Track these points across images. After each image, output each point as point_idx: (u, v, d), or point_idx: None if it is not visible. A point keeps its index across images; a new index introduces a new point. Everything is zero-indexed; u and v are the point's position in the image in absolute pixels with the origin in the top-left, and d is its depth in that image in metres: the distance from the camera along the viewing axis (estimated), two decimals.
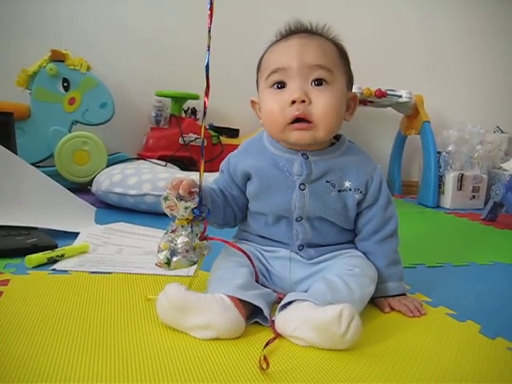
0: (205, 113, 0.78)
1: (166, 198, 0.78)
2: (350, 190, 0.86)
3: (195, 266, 0.81)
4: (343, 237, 0.91)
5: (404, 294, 0.90)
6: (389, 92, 2.24)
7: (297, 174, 0.85)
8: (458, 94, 2.71)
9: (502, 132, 2.58)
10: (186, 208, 0.77)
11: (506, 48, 2.75)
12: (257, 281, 0.83)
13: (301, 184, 0.85)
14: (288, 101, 0.81)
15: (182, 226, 0.78)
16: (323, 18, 0.89)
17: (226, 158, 0.93)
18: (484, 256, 1.32)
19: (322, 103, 0.81)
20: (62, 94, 1.93)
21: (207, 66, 0.78)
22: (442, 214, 2.08)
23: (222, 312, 0.70)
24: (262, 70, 0.88)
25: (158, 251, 0.79)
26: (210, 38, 0.78)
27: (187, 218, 0.78)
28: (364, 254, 0.89)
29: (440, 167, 2.25)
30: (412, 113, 2.34)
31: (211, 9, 0.76)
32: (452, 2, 2.66)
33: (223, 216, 0.90)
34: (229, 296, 0.73)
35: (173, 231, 0.78)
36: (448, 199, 2.23)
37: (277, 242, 0.90)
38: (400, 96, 2.27)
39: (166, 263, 0.78)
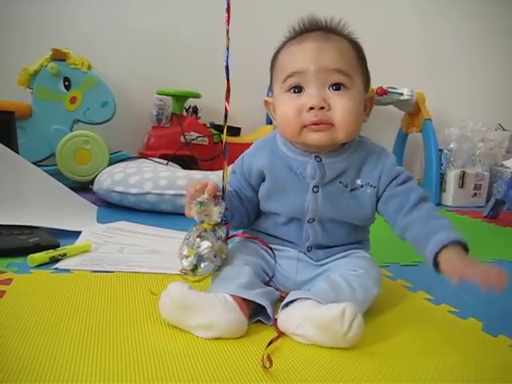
0: (226, 116, 0.79)
1: (201, 204, 0.77)
2: (362, 186, 0.85)
3: None
4: (353, 237, 0.90)
5: (465, 247, 0.73)
6: (390, 90, 2.24)
7: (310, 176, 0.84)
8: (459, 92, 2.71)
9: (503, 129, 2.58)
10: (220, 213, 0.77)
11: (507, 46, 2.75)
12: (268, 282, 0.84)
13: (314, 186, 0.84)
14: (306, 106, 0.79)
15: (206, 231, 0.78)
16: (324, 16, 0.87)
17: (239, 160, 0.92)
18: (485, 254, 1.31)
19: (341, 109, 0.79)
20: (64, 92, 1.93)
21: (227, 68, 0.78)
22: (443, 212, 2.08)
23: (225, 312, 0.69)
24: (276, 71, 0.85)
25: (182, 258, 0.78)
26: (228, 38, 0.78)
27: (213, 224, 0.78)
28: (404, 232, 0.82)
29: (441, 165, 2.25)
30: (413, 110, 2.34)
31: (228, 9, 0.76)
32: (453, 1, 2.65)
33: (240, 217, 0.90)
34: (232, 295, 0.73)
35: (198, 236, 0.78)
36: (449, 197, 2.23)
37: (286, 241, 0.89)
38: (401, 94, 2.26)
39: (192, 270, 0.77)
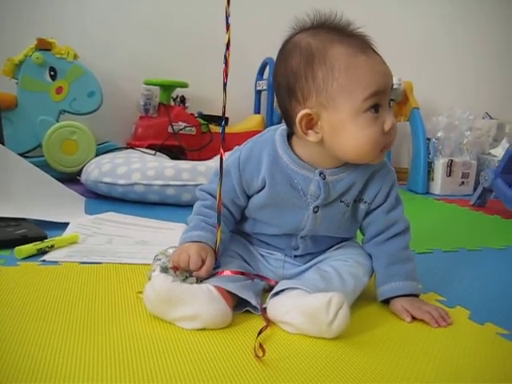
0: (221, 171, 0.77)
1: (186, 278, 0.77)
2: (355, 201, 0.83)
3: None
4: (343, 239, 0.89)
5: (416, 296, 0.82)
6: None
7: (312, 195, 0.79)
8: (447, 81, 2.71)
9: (490, 118, 2.60)
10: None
11: (495, 34, 2.75)
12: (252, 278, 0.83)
13: (315, 207, 0.81)
14: (385, 128, 0.75)
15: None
16: (316, 6, 0.83)
17: (234, 161, 0.82)
18: (473, 242, 1.33)
19: (395, 127, 0.77)
20: (49, 82, 1.90)
21: (223, 130, 0.76)
22: (431, 201, 2.10)
23: (209, 303, 0.69)
24: (351, 87, 0.73)
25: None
26: (225, 95, 0.75)
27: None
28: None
29: (429, 154, 2.26)
30: (401, 99, 2.34)
31: (227, 64, 0.74)
32: None
33: (228, 234, 0.86)
34: (216, 286, 0.73)
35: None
36: (437, 185, 2.24)
37: (272, 246, 0.88)
38: None
39: None
